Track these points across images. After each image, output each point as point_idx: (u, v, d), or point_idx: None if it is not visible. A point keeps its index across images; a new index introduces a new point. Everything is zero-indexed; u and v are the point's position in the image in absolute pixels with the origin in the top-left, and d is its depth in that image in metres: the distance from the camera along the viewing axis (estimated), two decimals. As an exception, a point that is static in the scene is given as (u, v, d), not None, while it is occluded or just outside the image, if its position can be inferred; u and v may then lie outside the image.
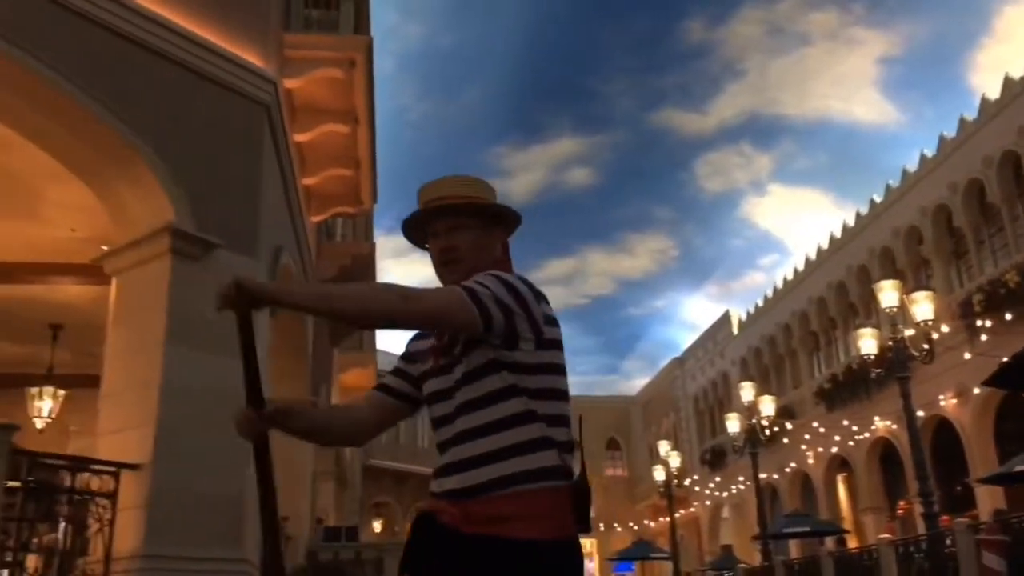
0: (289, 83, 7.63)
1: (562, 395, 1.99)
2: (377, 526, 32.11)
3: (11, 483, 4.71)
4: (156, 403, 5.45)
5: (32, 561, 4.96)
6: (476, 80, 64.00)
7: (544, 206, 61.09)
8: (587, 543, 36.59)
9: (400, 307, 1.73)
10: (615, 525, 36.21)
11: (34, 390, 11.55)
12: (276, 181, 7.34)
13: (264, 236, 6.71)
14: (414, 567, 1.91)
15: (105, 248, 8.18)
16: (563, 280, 61.14)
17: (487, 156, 62.27)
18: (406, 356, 2.13)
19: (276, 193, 7.35)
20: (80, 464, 5.25)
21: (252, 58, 6.72)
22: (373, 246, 13.05)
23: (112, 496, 5.18)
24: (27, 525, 4.86)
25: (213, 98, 6.35)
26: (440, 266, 2.03)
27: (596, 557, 36.13)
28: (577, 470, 1.97)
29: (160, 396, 5.46)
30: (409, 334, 2.13)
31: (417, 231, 2.10)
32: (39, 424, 11.63)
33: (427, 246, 2.09)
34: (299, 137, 8.41)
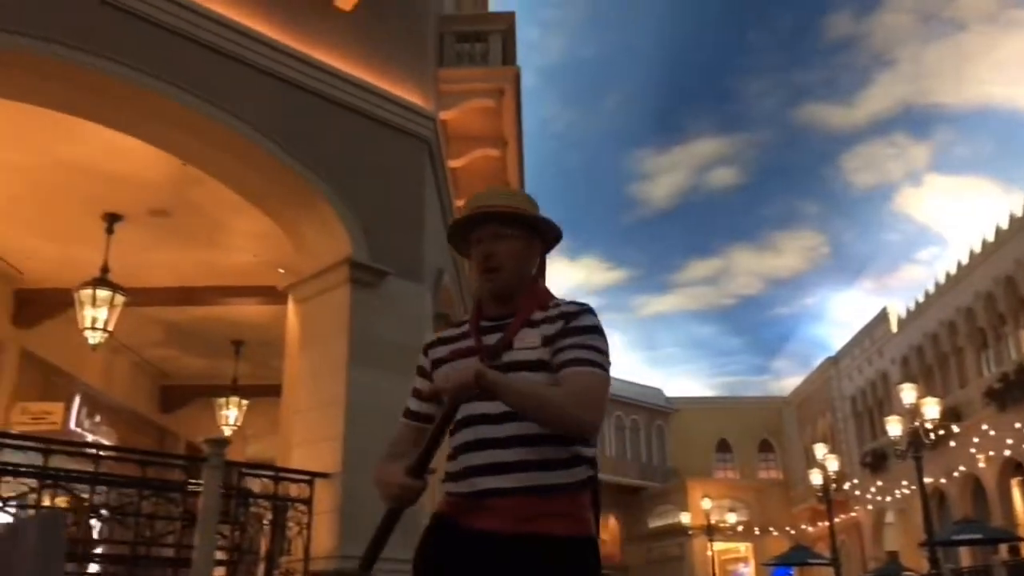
0: (444, 115, 8.18)
1: None
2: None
3: (224, 490, 5.39)
4: (342, 419, 6.07)
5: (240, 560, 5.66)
6: (617, 87, 64.08)
7: (687, 207, 60.30)
8: (742, 547, 35.89)
9: (588, 425, 1.91)
10: (771, 529, 35.37)
11: (221, 400, 12.75)
12: (435, 208, 7.89)
13: (428, 261, 7.27)
14: (436, 572, 1.98)
15: (281, 271, 9.03)
16: (708, 281, 60.03)
17: (629, 161, 62.13)
18: (423, 370, 2.20)
19: (435, 219, 7.91)
20: (280, 473, 5.91)
21: (414, 98, 7.32)
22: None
23: (308, 502, 5.83)
24: (238, 528, 5.56)
25: (381, 138, 6.97)
26: (481, 272, 2.11)
27: (752, 562, 35.41)
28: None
29: (346, 413, 6.09)
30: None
31: (462, 238, 2.18)
32: (227, 431, 12.82)
33: (470, 253, 2.16)
34: (453, 163, 8.96)
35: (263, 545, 5.90)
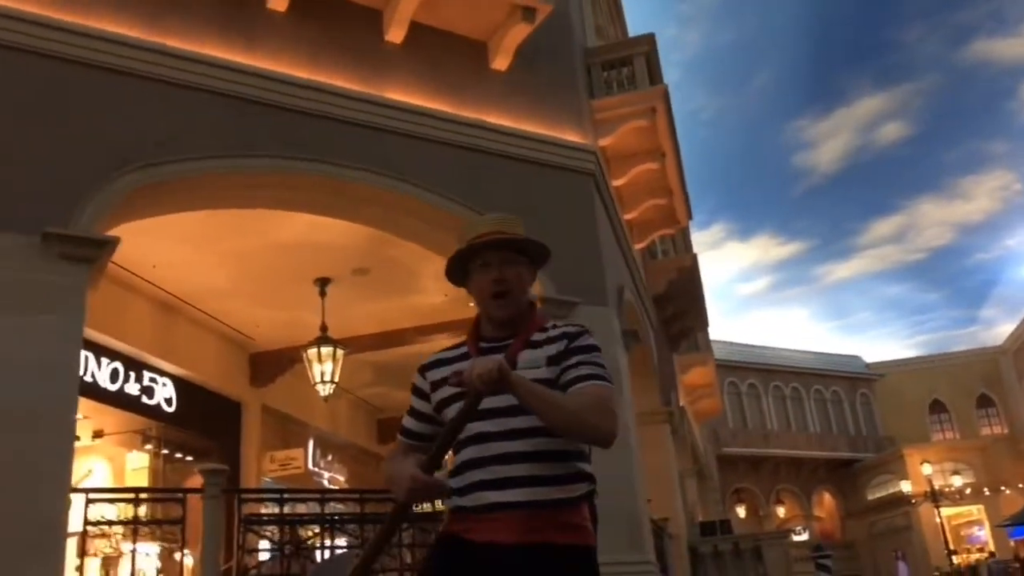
0: (602, 142, 8.68)
1: None
2: (741, 511, 32.48)
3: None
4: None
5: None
6: (764, 65, 62.30)
7: (857, 168, 57.58)
8: (973, 510, 33.82)
9: (603, 432, 1.97)
10: (1003, 488, 33.13)
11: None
12: (608, 231, 8.41)
13: (609, 283, 7.79)
14: None
15: (471, 305, 9.81)
16: (892, 239, 57.04)
17: (787, 133, 60.24)
18: (420, 391, 2.23)
19: (609, 241, 8.42)
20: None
21: (574, 136, 7.90)
22: (695, 257, 13.83)
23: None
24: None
25: (550, 179, 7.58)
26: (491, 298, 2.14)
27: (986, 524, 33.30)
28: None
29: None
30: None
31: (457, 266, 2.21)
32: (444, 458, 13.87)
33: (458, 279, 2.23)
34: (615, 182, 9.44)
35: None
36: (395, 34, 7.20)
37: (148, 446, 10.44)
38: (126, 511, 5.23)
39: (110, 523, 5.37)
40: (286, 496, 5.78)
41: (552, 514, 1.98)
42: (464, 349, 2.18)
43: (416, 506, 2.15)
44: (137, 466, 10.55)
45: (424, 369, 2.23)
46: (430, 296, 10.34)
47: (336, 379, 9.96)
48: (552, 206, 7.55)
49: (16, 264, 5.18)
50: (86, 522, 5.14)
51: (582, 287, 7.33)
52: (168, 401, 10.04)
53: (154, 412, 9.91)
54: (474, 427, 2.01)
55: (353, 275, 9.53)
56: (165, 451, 10.62)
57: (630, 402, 7.78)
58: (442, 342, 9.39)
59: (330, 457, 13.61)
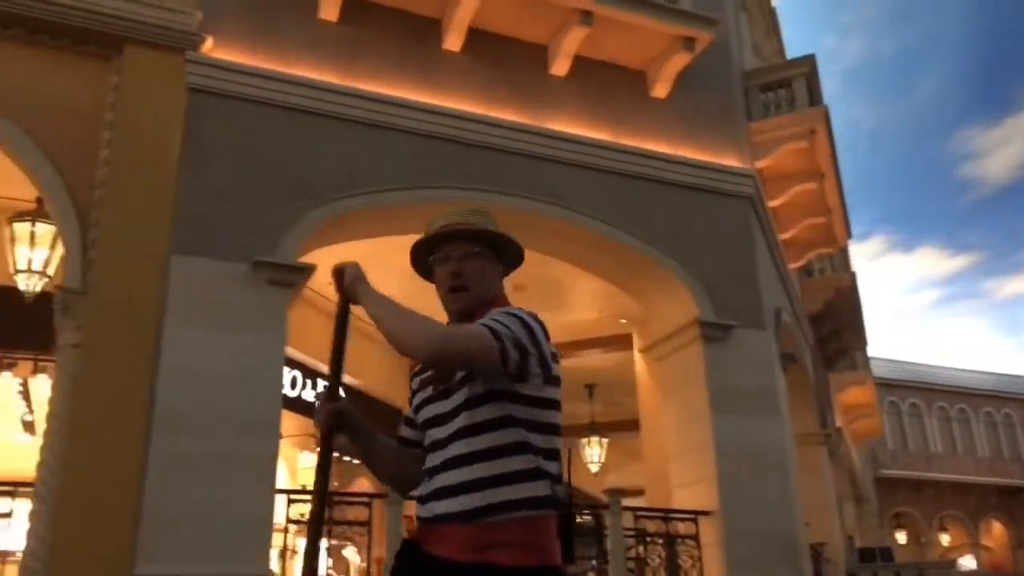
0: (759, 163, 8.73)
1: (557, 430, 2.02)
2: (901, 537, 30.96)
3: (627, 530, 6.39)
4: (714, 462, 6.86)
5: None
6: (929, 73, 59.31)
7: (1037, 177, 53.55)
8: None
9: (439, 346, 1.82)
10: None
11: (584, 440, 14.11)
12: (764, 253, 8.46)
13: (766, 305, 7.86)
14: None
15: (623, 321, 10.06)
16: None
17: (954, 142, 56.94)
18: (413, 393, 2.16)
19: (766, 263, 8.46)
20: (669, 514, 6.82)
21: (732, 160, 8.02)
22: (853, 276, 13.49)
23: (696, 538, 6.67)
24: (642, 562, 6.54)
25: (708, 204, 7.74)
26: (448, 291, 2.07)
27: None
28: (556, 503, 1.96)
29: (716, 456, 6.87)
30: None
31: (422, 258, 2.16)
32: (594, 468, 14.14)
33: (427, 274, 2.16)
34: (773, 203, 9.44)
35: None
36: (559, 67, 7.57)
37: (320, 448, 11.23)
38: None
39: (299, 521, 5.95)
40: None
41: (497, 527, 1.84)
42: None
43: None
44: (308, 465, 11.41)
45: (413, 375, 2.17)
46: (584, 312, 10.66)
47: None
48: (709, 230, 7.70)
49: (232, 289, 5.87)
50: (288, 520, 5.77)
51: (739, 310, 7.45)
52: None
53: (329, 418, 10.68)
54: (429, 436, 2.00)
55: (512, 292, 9.94)
56: (335, 453, 11.40)
57: (787, 423, 7.80)
58: (595, 356, 9.71)
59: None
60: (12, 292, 6.95)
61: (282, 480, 10.60)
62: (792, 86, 8.81)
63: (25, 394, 9.46)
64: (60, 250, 6.84)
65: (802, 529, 7.18)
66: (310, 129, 6.49)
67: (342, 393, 2.09)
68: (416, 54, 7.12)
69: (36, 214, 6.90)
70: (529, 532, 1.87)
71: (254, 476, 5.50)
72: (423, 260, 2.16)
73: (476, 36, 7.26)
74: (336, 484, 11.13)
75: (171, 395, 5.54)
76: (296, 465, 11.40)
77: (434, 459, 1.96)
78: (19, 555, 5.82)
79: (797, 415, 10.44)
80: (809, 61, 8.97)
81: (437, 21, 7.24)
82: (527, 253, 6.91)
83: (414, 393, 2.12)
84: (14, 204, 6.98)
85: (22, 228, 6.91)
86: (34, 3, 5.96)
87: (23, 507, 5.53)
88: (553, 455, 1.96)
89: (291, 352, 9.62)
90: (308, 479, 10.92)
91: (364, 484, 11.57)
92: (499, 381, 1.90)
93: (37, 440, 9.97)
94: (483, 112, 7.17)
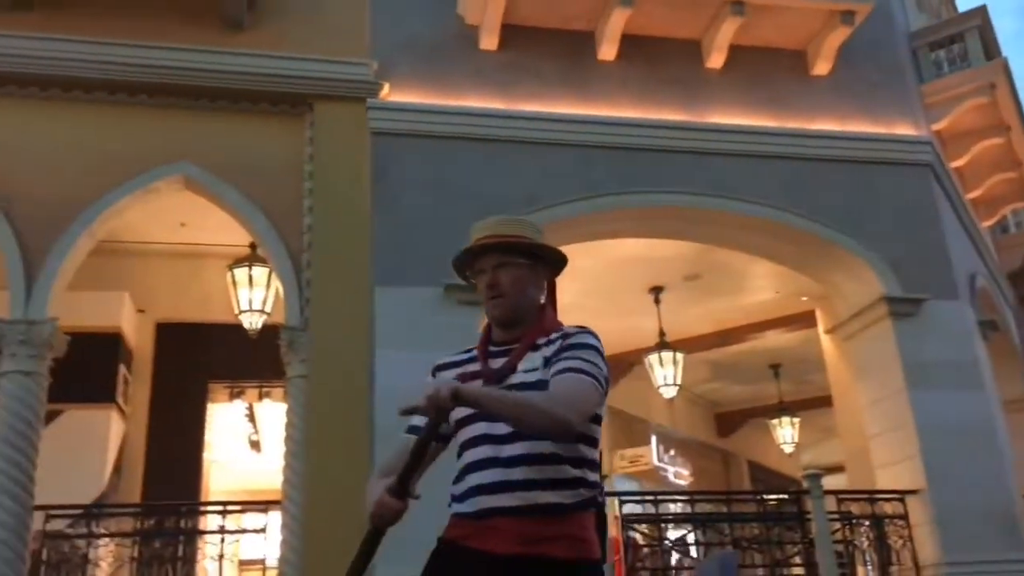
0: (936, 126, 8.39)
1: (598, 443, 2.08)
2: None
3: (830, 513, 6.39)
4: (916, 439, 6.73)
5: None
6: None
7: None
8: None
9: (576, 422, 1.87)
10: None
11: (774, 421, 13.94)
12: (951, 218, 8.13)
13: (958, 274, 7.57)
14: None
15: (804, 298, 9.90)
16: None
17: None
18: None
19: (954, 229, 8.13)
20: (874, 495, 6.77)
21: (905, 129, 7.79)
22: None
23: (904, 517, 6.58)
24: (849, 545, 6.53)
25: (883, 177, 7.55)
26: (487, 300, 2.12)
27: None
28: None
29: (918, 433, 6.73)
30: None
31: (465, 269, 2.21)
32: (788, 449, 13.95)
33: (474, 282, 2.20)
34: (955, 163, 9.03)
35: (869, 559, 6.77)
36: (715, 60, 7.63)
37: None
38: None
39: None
40: (659, 497, 6.46)
41: (550, 523, 1.90)
42: (474, 353, 2.16)
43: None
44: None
45: (436, 370, 2.21)
46: (761, 294, 10.59)
47: (679, 381, 10.58)
48: (887, 204, 7.52)
49: (428, 312, 6.39)
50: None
51: (929, 282, 7.24)
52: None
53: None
54: (474, 430, 2.00)
55: (684, 281, 10.08)
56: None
57: (993, 395, 7.49)
58: (777, 336, 9.67)
59: (672, 452, 14.26)
60: (237, 329, 7.84)
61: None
62: (965, 40, 8.40)
63: (251, 417, 10.56)
64: (274, 288, 7.66)
65: (1020, 502, 6.90)
66: (484, 155, 6.92)
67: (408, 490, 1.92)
68: (572, 69, 7.41)
69: (251, 259, 7.76)
70: (577, 526, 1.93)
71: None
72: (463, 275, 2.23)
73: (629, 42, 7.44)
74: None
75: (387, 415, 6.10)
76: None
77: (483, 453, 1.97)
78: (274, 563, 6.60)
79: (1005, 382, 9.91)
80: (980, 13, 8.49)
81: (590, 34, 7.49)
82: (698, 245, 7.08)
83: (429, 430, 2.02)
84: (231, 251, 7.88)
85: (241, 273, 7.79)
86: (234, 75, 6.72)
87: (275, 520, 6.25)
88: (598, 467, 2.05)
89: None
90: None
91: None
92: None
93: (261, 457, 11.12)
94: (642, 115, 7.35)
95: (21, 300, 5.99)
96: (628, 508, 6.38)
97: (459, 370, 2.10)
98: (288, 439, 6.23)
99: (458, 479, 2.02)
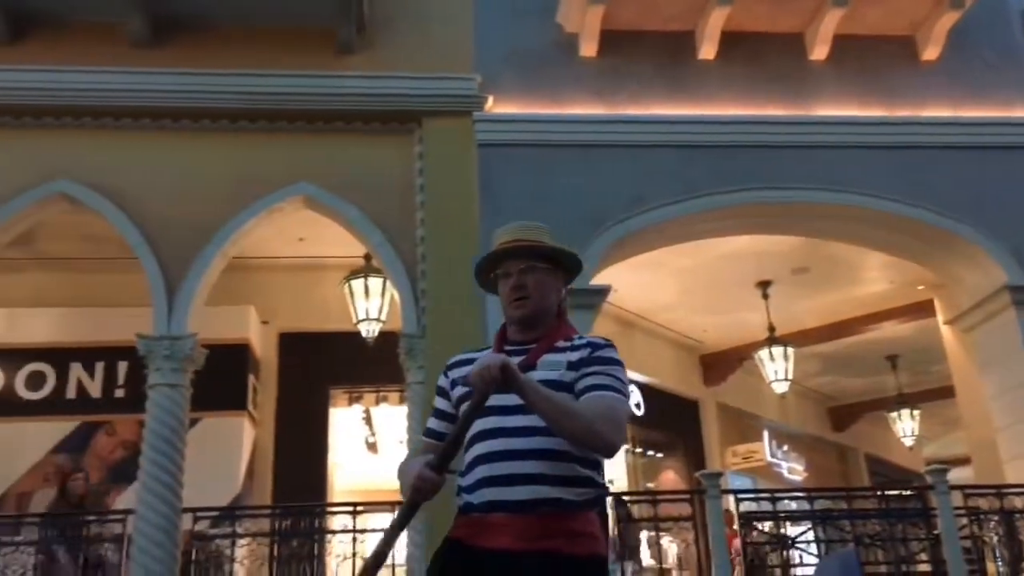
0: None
1: None
2: None
3: (956, 509, 6.25)
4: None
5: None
6: None
7: None
8: None
9: (620, 438, 1.96)
10: None
11: (893, 414, 13.55)
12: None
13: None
14: None
15: (920, 287, 9.62)
16: None
17: None
18: (444, 388, 2.21)
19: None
20: (1002, 489, 6.56)
21: (1022, 111, 7.51)
22: None
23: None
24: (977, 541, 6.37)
25: (1001, 161, 7.30)
26: (510, 303, 2.16)
27: None
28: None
29: (1046, 426, 6.52)
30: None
31: (484, 273, 2.24)
32: (908, 442, 13.55)
33: (490, 287, 2.25)
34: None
35: (999, 555, 6.57)
36: (819, 52, 7.54)
37: (625, 446, 11.85)
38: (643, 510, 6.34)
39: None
40: (776, 495, 6.46)
41: (559, 519, 1.93)
42: (489, 351, 2.16)
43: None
44: (614, 462, 12.07)
45: (448, 368, 2.25)
46: (874, 285, 10.37)
47: (791, 376, 10.46)
48: (1007, 189, 7.27)
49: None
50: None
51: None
52: (637, 406, 11.35)
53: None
54: (484, 423, 2.00)
55: (793, 275, 9.96)
56: (638, 449, 11.99)
57: None
58: (892, 328, 9.45)
59: (786, 447, 14.04)
60: (354, 336, 8.22)
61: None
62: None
63: (368, 420, 11.00)
64: (389, 297, 7.99)
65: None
66: (587, 160, 7.05)
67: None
68: (672, 70, 7.46)
69: (367, 270, 8.12)
70: (583, 523, 1.95)
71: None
72: (485, 278, 2.26)
73: (729, 40, 7.44)
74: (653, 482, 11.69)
75: (504, 417, 6.30)
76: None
77: (495, 446, 1.98)
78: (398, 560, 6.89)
79: None
80: (1101, -16, 8.11)
81: (689, 34, 7.52)
82: (806, 240, 7.04)
83: (454, 383, 2.16)
84: (347, 262, 8.27)
85: (358, 284, 8.17)
86: (347, 97, 7.06)
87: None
88: (603, 469, 2.08)
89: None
90: (615, 474, 11.58)
91: (669, 477, 12.05)
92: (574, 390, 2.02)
93: (377, 458, 11.54)
94: (745, 112, 7.34)
95: (164, 318, 6.46)
96: (745, 506, 6.40)
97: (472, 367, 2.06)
98: (410, 442, 6.51)
99: (467, 471, 2.04)
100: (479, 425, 1.99)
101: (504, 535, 1.90)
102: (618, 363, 2.08)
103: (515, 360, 1.97)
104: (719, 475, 6.26)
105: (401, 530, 1.92)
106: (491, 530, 1.92)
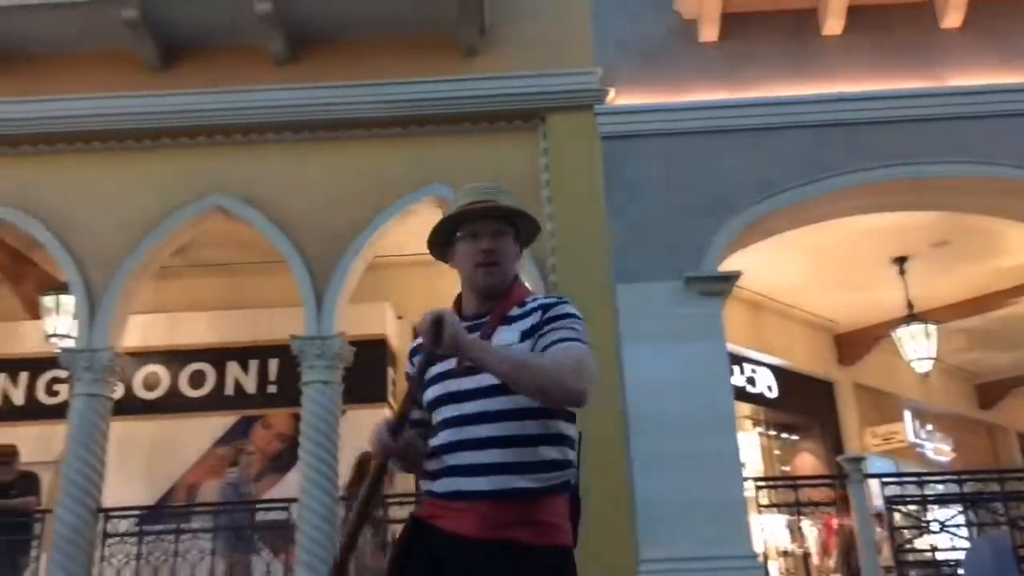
0: None
1: (574, 418, 2.02)
2: None
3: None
4: None
5: None
6: None
7: None
8: None
9: (586, 386, 1.86)
10: None
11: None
12: None
13: None
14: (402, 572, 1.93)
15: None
16: None
17: None
18: (408, 376, 2.16)
19: None
20: None
21: None
22: None
23: None
24: None
25: None
26: (479, 266, 2.04)
27: None
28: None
29: None
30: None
31: (443, 234, 2.13)
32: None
33: (447, 252, 2.14)
34: None
35: None
36: (951, 20, 7.25)
37: (757, 429, 11.74)
38: (786, 495, 6.34)
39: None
40: (924, 479, 6.33)
41: (520, 508, 1.88)
42: None
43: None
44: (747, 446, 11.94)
45: (412, 354, 2.17)
46: (1020, 256, 9.87)
47: (934, 354, 10.10)
48: None
49: (669, 305, 6.64)
50: (759, 506, 6.40)
51: None
52: (769, 388, 11.21)
53: (758, 399, 11.18)
54: (447, 411, 1.97)
55: (932, 248, 9.62)
56: (772, 432, 11.83)
57: None
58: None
59: (930, 427, 13.52)
60: (485, 328, 8.47)
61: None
62: None
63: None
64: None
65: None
66: (712, 146, 7.05)
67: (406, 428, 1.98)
68: (796, 49, 7.34)
69: (495, 264, 8.36)
70: (547, 512, 1.90)
71: (723, 466, 6.18)
72: (442, 238, 2.15)
73: (855, 13, 7.26)
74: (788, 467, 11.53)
75: (638, 403, 6.44)
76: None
77: (455, 435, 1.94)
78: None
79: None
80: None
81: (813, 11, 7.37)
82: (945, 214, 6.81)
83: (421, 366, 2.00)
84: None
85: (488, 278, 8.41)
86: (472, 99, 7.31)
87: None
88: (573, 443, 2.01)
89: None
90: (747, 458, 11.47)
91: (807, 460, 11.83)
92: None
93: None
94: (874, 87, 7.15)
95: (314, 318, 6.90)
96: (890, 490, 6.30)
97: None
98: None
99: (432, 458, 1.99)
100: (442, 414, 1.98)
101: (465, 521, 1.87)
102: (573, 316, 2.01)
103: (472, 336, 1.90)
104: (861, 459, 6.19)
105: (376, 490, 1.92)
106: (454, 515, 1.89)
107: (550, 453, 1.92)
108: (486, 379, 1.90)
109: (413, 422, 2.03)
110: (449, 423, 1.96)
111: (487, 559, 1.82)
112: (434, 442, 1.98)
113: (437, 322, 1.79)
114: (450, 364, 1.96)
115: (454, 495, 1.90)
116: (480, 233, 2.06)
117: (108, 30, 7.30)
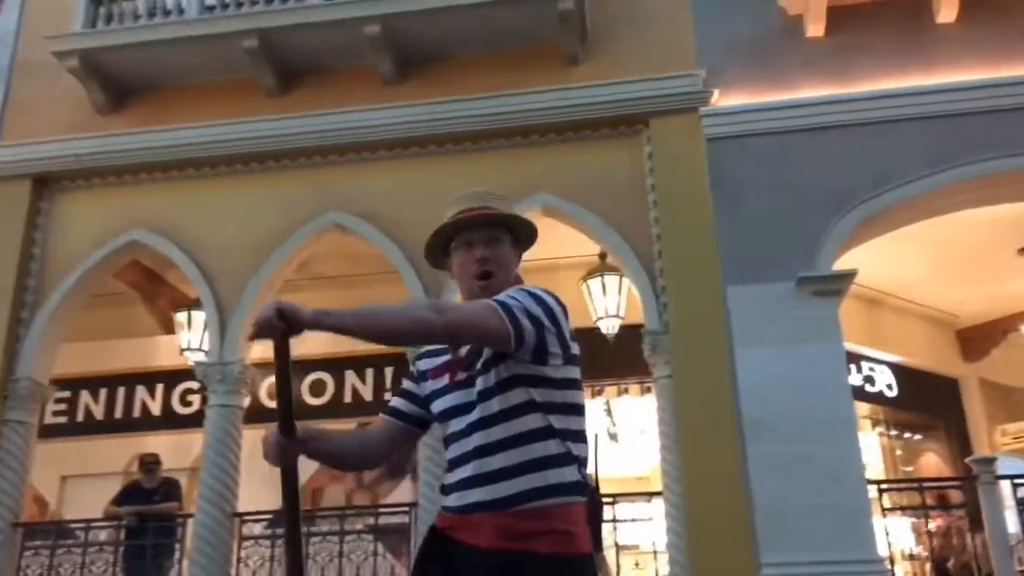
0: None
1: (580, 410, 1.94)
2: None
3: None
4: None
5: None
6: None
7: None
8: None
9: (437, 322, 1.75)
10: None
11: None
12: None
13: None
14: None
15: None
16: None
17: None
18: (415, 375, 2.11)
19: None
20: None
21: None
22: None
23: None
24: None
25: None
26: (473, 278, 2.02)
27: None
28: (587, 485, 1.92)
29: None
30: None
31: (439, 243, 2.10)
32: None
33: (443, 261, 2.12)
34: None
35: None
36: (1075, 1, 6.91)
37: (877, 429, 11.38)
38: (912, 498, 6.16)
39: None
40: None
41: (530, 518, 1.84)
42: None
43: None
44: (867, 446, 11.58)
45: (417, 358, 2.17)
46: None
47: (1068, 348, 9.59)
48: None
49: (782, 306, 6.56)
50: (883, 509, 6.24)
51: None
52: (888, 386, 10.86)
53: (877, 398, 10.83)
54: (451, 425, 1.96)
55: (1023, 250, 9.15)
56: (893, 432, 11.44)
57: None
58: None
59: (1064, 423, 12.78)
60: (594, 332, 8.54)
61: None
62: None
63: (608, 412, 11.35)
64: (625, 293, 8.24)
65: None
66: (822, 143, 6.92)
67: (296, 427, 1.97)
68: (908, 39, 7.12)
69: (602, 269, 8.41)
70: (564, 519, 1.86)
71: (844, 469, 6.06)
72: (438, 246, 2.14)
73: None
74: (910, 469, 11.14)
75: (753, 407, 6.39)
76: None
77: (457, 449, 1.93)
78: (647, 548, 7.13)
79: None
80: None
81: (924, 0, 7.14)
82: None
83: (421, 375, 2.08)
84: (579, 261, 8.59)
85: (595, 283, 8.48)
86: (575, 107, 7.39)
87: (658, 509, 6.78)
88: (579, 436, 1.96)
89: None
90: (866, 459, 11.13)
91: (931, 460, 11.38)
92: (521, 366, 1.89)
93: (618, 447, 11.85)
94: (992, 75, 6.86)
95: (428, 329, 7.09)
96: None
97: (435, 359, 2.07)
98: (662, 435, 6.74)
99: (447, 472, 2.01)
100: (447, 428, 1.99)
101: (479, 533, 1.86)
102: (521, 291, 1.97)
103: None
104: (992, 460, 5.95)
105: (290, 504, 1.89)
106: (469, 527, 1.88)
107: (541, 450, 1.89)
108: (472, 392, 1.93)
109: (396, 411, 2.10)
110: (453, 437, 1.97)
111: (505, 569, 1.82)
112: (446, 456, 2.01)
113: (280, 315, 1.73)
114: (444, 380, 1.99)
115: (466, 508, 1.90)
116: (475, 242, 2.06)
117: (229, 60, 7.74)
